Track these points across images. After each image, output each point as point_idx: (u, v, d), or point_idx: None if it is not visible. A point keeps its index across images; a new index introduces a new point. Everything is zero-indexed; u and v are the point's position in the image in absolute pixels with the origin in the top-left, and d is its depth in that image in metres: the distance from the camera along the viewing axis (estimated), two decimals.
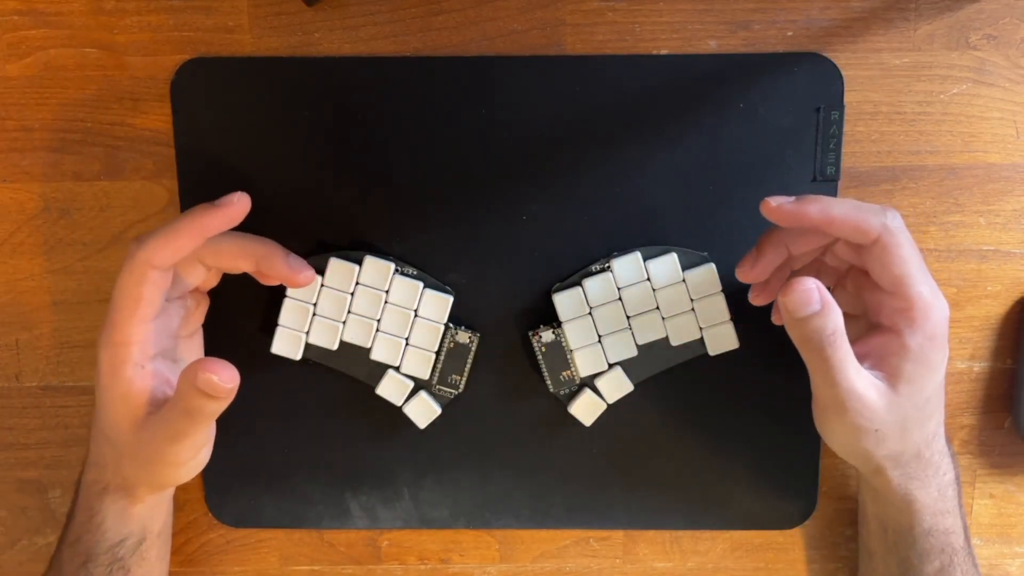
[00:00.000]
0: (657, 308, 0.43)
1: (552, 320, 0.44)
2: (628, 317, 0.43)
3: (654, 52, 0.42)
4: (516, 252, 0.44)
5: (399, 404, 0.44)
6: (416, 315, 0.43)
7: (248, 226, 0.40)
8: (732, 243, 0.43)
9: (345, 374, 0.44)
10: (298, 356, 0.43)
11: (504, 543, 0.48)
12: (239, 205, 0.37)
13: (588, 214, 0.43)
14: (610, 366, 0.44)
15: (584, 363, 0.43)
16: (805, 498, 0.47)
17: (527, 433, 0.46)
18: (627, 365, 0.44)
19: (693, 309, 0.43)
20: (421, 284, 0.43)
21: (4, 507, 0.48)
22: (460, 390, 0.44)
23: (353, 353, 0.44)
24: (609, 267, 0.43)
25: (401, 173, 0.43)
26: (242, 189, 0.38)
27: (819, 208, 0.36)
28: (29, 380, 0.46)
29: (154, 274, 0.37)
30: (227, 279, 0.42)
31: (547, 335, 0.43)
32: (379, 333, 0.43)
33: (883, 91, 0.43)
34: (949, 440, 0.42)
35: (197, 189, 0.43)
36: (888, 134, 0.43)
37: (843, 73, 0.42)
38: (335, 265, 0.42)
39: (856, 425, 0.37)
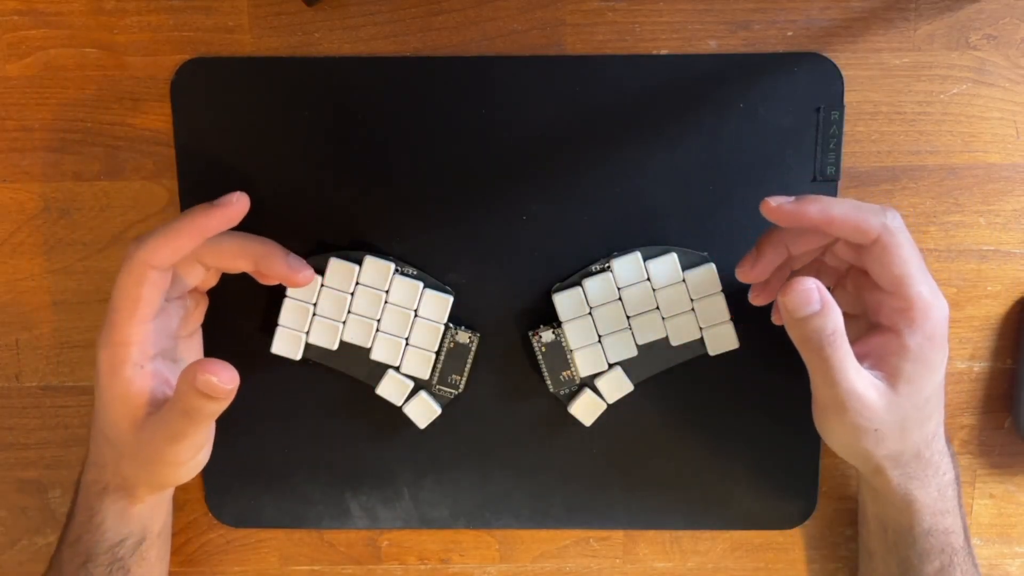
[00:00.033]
0: (657, 308, 0.43)
1: (552, 320, 0.44)
2: (628, 317, 0.43)
3: (654, 52, 0.42)
4: (516, 252, 0.44)
5: (399, 404, 0.44)
6: (416, 315, 0.43)
7: (248, 226, 0.40)
8: (732, 243, 0.43)
9: (345, 374, 0.44)
10: (298, 356, 0.43)
11: (504, 543, 0.48)
12: (238, 205, 0.37)
13: (588, 214, 0.43)
14: (610, 366, 0.44)
15: (584, 363, 0.43)
16: (805, 498, 0.47)
17: (527, 433, 0.46)
18: (627, 365, 0.44)
19: (693, 309, 0.43)
20: (421, 284, 0.43)
21: (4, 507, 0.48)
22: (460, 390, 0.44)
23: (353, 353, 0.44)
24: (609, 267, 0.43)
25: (401, 173, 0.43)
26: (242, 189, 0.38)
27: (819, 208, 0.36)
28: (29, 380, 0.46)
29: (153, 274, 0.37)
30: (227, 279, 0.42)
31: (547, 335, 0.43)
32: (379, 333, 0.43)
33: (883, 91, 0.43)
34: (949, 440, 0.42)
35: (197, 189, 0.43)
36: (888, 134, 0.43)
37: (843, 73, 0.42)
38: (335, 265, 0.42)
39: (856, 425, 0.37)
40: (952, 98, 0.43)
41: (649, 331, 0.43)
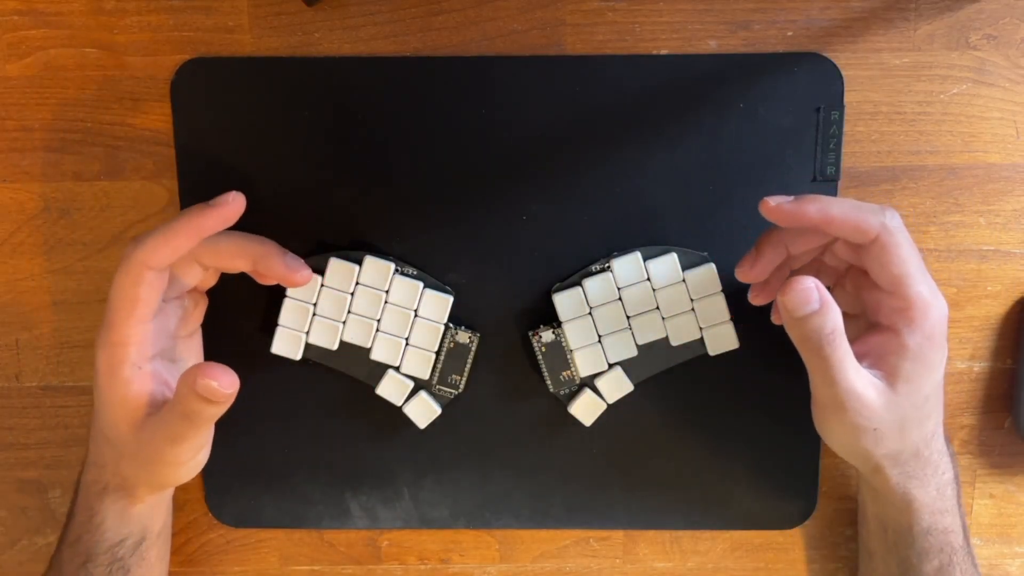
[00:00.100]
0: (657, 308, 0.43)
1: (552, 320, 0.44)
2: (628, 317, 0.43)
3: (654, 52, 0.42)
4: (516, 252, 0.44)
5: (399, 404, 0.44)
6: (416, 315, 0.43)
7: (248, 226, 0.40)
8: (732, 243, 0.43)
9: (345, 374, 0.44)
10: (298, 356, 0.43)
11: (504, 543, 0.48)
12: (234, 204, 0.37)
13: (588, 214, 0.43)
14: (610, 366, 0.44)
15: (584, 363, 0.43)
16: (805, 498, 0.47)
17: (527, 433, 0.46)
18: (627, 365, 0.44)
19: (693, 309, 0.43)
20: (421, 284, 0.43)
21: (4, 507, 0.48)
22: (460, 390, 0.44)
23: (353, 353, 0.44)
24: (609, 267, 0.43)
25: (401, 173, 0.43)
26: (242, 189, 0.38)
27: (818, 207, 0.36)
28: (29, 380, 0.46)
29: (150, 275, 0.37)
30: (226, 279, 0.42)
31: (547, 335, 0.43)
32: (379, 333, 0.43)
33: (883, 91, 0.43)
34: (948, 439, 0.42)
35: (197, 189, 0.43)
36: (888, 134, 0.43)
37: (843, 73, 0.42)
38: (335, 265, 0.42)
39: (855, 424, 0.37)
40: (952, 98, 0.43)
41: (649, 331, 0.43)
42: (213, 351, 0.43)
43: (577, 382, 0.44)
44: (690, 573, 0.48)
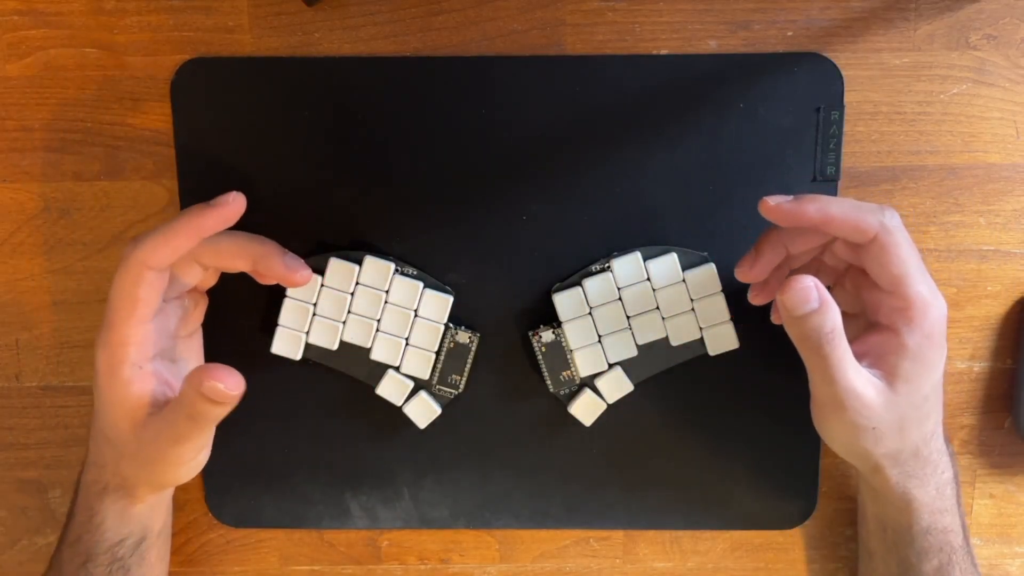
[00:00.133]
0: (657, 308, 0.43)
1: (552, 320, 0.44)
2: (628, 317, 0.43)
3: (654, 52, 0.42)
4: (516, 252, 0.44)
5: (399, 404, 0.44)
6: (416, 315, 0.43)
7: (248, 226, 0.40)
8: (732, 243, 0.43)
9: (345, 374, 0.44)
10: (298, 356, 0.43)
11: (504, 543, 0.48)
12: (234, 205, 0.37)
13: (588, 214, 0.43)
14: (610, 366, 0.44)
15: (584, 363, 0.43)
16: (805, 498, 0.47)
17: (527, 433, 0.46)
18: (627, 365, 0.44)
19: (693, 309, 0.43)
20: (421, 284, 0.43)
21: (4, 507, 0.48)
22: (460, 390, 0.44)
23: (353, 353, 0.44)
24: (609, 267, 0.43)
25: (401, 173, 0.43)
26: (242, 189, 0.38)
27: (817, 207, 0.36)
28: (29, 380, 0.46)
29: (150, 275, 0.37)
30: (226, 279, 0.42)
31: (547, 335, 0.43)
32: (379, 333, 0.43)
33: (883, 91, 0.43)
34: (948, 439, 0.42)
35: (197, 189, 0.43)
36: (888, 134, 0.43)
37: (843, 73, 0.42)
38: (335, 265, 0.42)
39: (854, 423, 0.37)
40: (952, 98, 0.43)
41: (649, 331, 0.43)
42: (213, 351, 0.43)
43: (577, 382, 0.44)
44: (690, 573, 0.48)
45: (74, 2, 0.42)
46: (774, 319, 0.43)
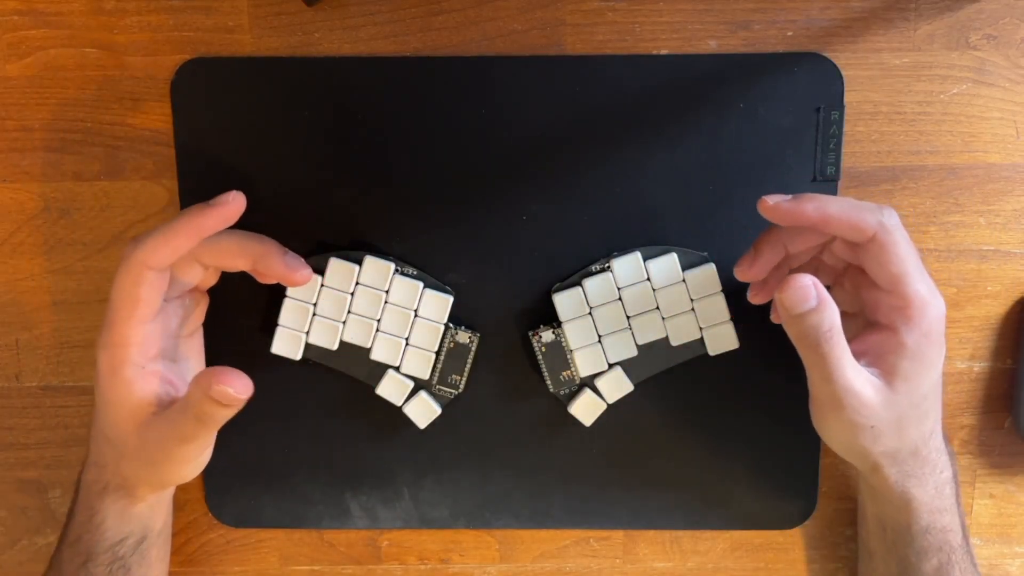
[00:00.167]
0: (657, 308, 0.43)
1: (552, 320, 0.44)
2: (628, 317, 0.43)
3: (654, 52, 0.42)
4: (516, 252, 0.44)
5: (399, 404, 0.44)
6: (416, 315, 0.43)
7: (248, 226, 0.40)
8: (732, 243, 0.43)
9: (345, 374, 0.44)
10: (298, 356, 0.43)
11: (504, 543, 0.48)
12: (234, 204, 0.37)
13: (588, 214, 0.43)
14: (610, 366, 0.44)
15: (584, 363, 0.43)
16: (805, 498, 0.47)
17: (527, 433, 0.46)
18: (627, 365, 0.44)
19: (693, 309, 0.43)
20: (421, 284, 0.43)
21: (4, 507, 0.48)
22: (460, 390, 0.44)
23: (353, 353, 0.44)
24: (609, 267, 0.43)
25: (401, 173, 0.43)
26: (242, 189, 0.38)
27: (816, 206, 0.36)
28: (29, 380, 0.46)
29: (151, 275, 0.37)
30: (226, 278, 0.42)
31: (547, 335, 0.43)
32: (379, 333, 0.43)
33: (883, 91, 0.43)
34: (947, 438, 0.42)
35: (197, 189, 0.43)
36: (888, 134, 0.43)
37: (843, 73, 0.42)
38: (335, 265, 0.42)
39: (853, 422, 0.37)
40: (952, 98, 0.43)
41: (649, 331, 0.43)
42: (213, 350, 0.43)
43: (577, 382, 0.44)
44: (690, 573, 0.48)
45: (74, 2, 0.42)
46: (773, 318, 0.43)
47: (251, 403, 0.44)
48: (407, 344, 0.43)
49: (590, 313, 0.43)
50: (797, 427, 0.45)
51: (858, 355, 0.37)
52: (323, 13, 0.42)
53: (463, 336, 0.44)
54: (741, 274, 0.40)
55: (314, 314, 0.43)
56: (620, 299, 0.43)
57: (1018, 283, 0.45)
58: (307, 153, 0.43)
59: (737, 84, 0.42)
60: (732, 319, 0.43)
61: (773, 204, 0.37)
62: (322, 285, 0.43)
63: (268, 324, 0.44)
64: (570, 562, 0.48)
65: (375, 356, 0.44)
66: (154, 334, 0.38)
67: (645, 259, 0.43)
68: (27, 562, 0.48)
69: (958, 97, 0.43)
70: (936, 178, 0.44)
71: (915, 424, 0.38)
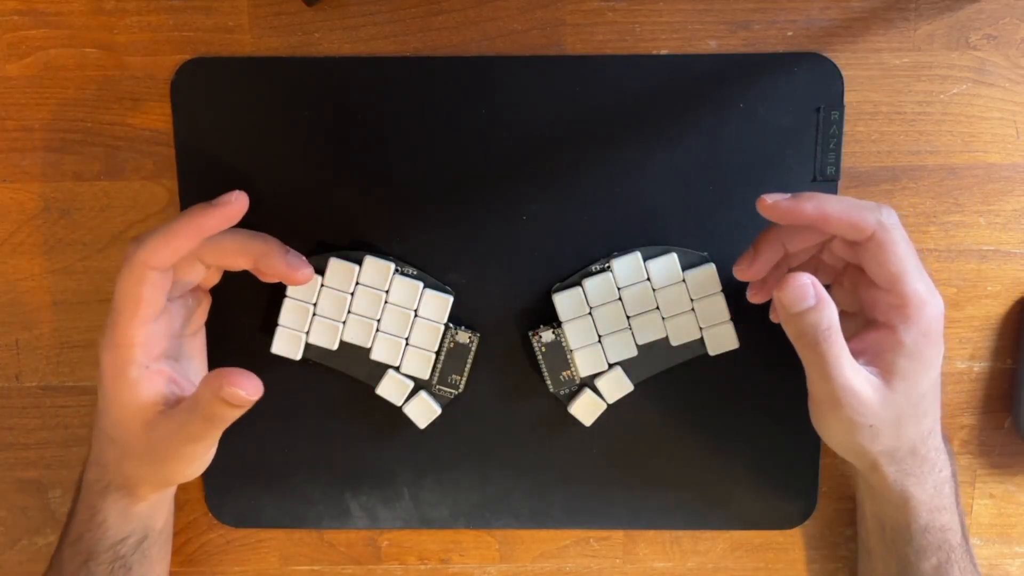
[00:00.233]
0: (657, 308, 0.43)
1: (552, 320, 0.44)
2: (628, 317, 0.43)
3: (654, 52, 0.42)
4: (516, 252, 0.44)
5: (399, 404, 0.44)
6: (416, 315, 0.43)
7: (248, 226, 0.40)
8: (732, 243, 0.43)
9: (345, 374, 0.44)
10: (298, 356, 0.43)
11: (504, 543, 0.48)
12: (236, 204, 0.37)
13: (588, 214, 0.43)
14: (610, 366, 0.44)
15: (584, 363, 0.43)
16: (805, 498, 0.47)
17: (527, 433, 0.46)
18: (627, 365, 0.44)
19: (693, 309, 0.43)
20: (421, 284, 0.43)
21: (4, 507, 0.48)
22: (460, 390, 0.44)
23: (353, 353, 0.44)
24: (609, 267, 0.43)
25: (401, 173, 0.43)
26: (242, 189, 0.38)
27: (814, 205, 0.36)
28: (29, 380, 0.46)
29: (153, 275, 0.37)
30: (227, 278, 0.42)
31: (547, 335, 0.43)
32: (379, 333, 0.43)
33: (883, 91, 0.43)
34: (947, 438, 0.42)
35: (197, 189, 0.43)
36: (888, 134, 0.43)
37: (843, 73, 0.42)
38: (335, 265, 0.42)
39: (851, 420, 0.37)
40: (952, 98, 0.43)
41: (649, 331, 0.43)
42: (213, 350, 0.43)
43: (577, 382, 0.44)
44: (690, 573, 0.48)
45: (74, 2, 0.42)
46: (772, 317, 0.43)
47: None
48: (407, 344, 0.43)
49: (590, 313, 0.43)
50: (797, 427, 0.45)
51: (857, 354, 0.37)
52: (323, 13, 0.42)
53: (463, 336, 0.44)
54: (740, 273, 0.40)
55: (314, 314, 0.43)
56: (620, 299, 0.43)
57: (1018, 283, 0.45)
58: (307, 153, 0.43)
59: (737, 84, 0.42)
60: (732, 319, 0.43)
61: (772, 203, 0.37)
62: (322, 285, 0.43)
63: (268, 324, 0.44)
64: (570, 562, 0.48)
65: (375, 356, 0.44)
66: (158, 334, 0.38)
67: (645, 259, 0.43)
68: (27, 562, 0.48)
69: (958, 97, 0.43)
70: (936, 178, 0.44)
71: (914, 423, 0.38)
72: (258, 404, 0.44)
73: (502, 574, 0.48)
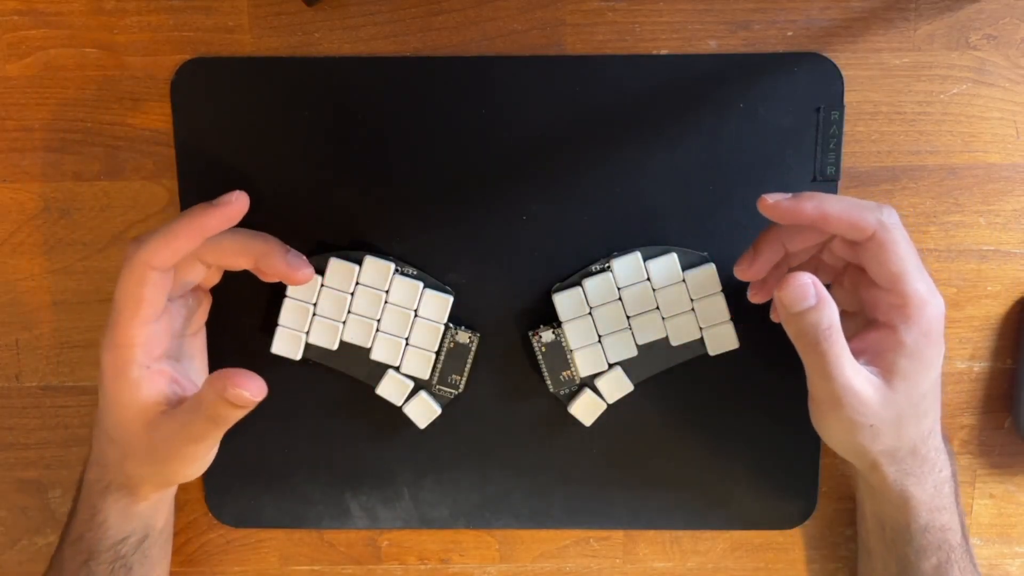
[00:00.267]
0: (657, 308, 0.43)
1: (552, 320, 0.44)
2: (628, 317, 0.43)
3: (654, 52, 0.42)
4: (516, 252, 0.44)
5: (399, 404, 0.44)
6: (416, 315, 0.43)
7: (249, 226, 0.40)
8: (732, 243, 0.43)
9: (345, 374, 0.44)
10: (298, 356, 0.43)
11: (504, 543, 0.48)
12: (237, 204, 0.37)
13: (588, 214, 0.43)
14: (610, 366, 0.44)
15: (584, 363, 0.43)
16: (805, 498, 0.47)
17: (527, 433, 0.46)
18: (627, 365, 0.44)
19: (693, 309, 0.43)
20: (421, 284, 0.43)
21: (4, 507, 0.48)
22: (460, 390, 0.44)
23: (353, 353, 0.44)
24: (609, 267, 0.43)
25: (401, 173, 0.43)
26: (242, 189, 0.38)
27: (815, 204, 0.36)
28: (29, 380, 0.46)
29: (154, 275, 0.37)
30: (227, 278, 0.42)
31: (547, 335, 0.43)
32: (379, 333, 0.43)
33: (883, 91, 0.43)
34: (947, 438, 0.42)
35: (197, 189, 0.43)
36: (888, 134, 0.43)
37: (843, 73, 0.42)
38: (335, 265, 0.42)
39: (851, 420, 0.37)
40: (952, 98, 0.43)
41: (649, 331, 0.43)
42: (213, 350, 0.43)
43: (577, 382, 0.44)
44: (690, 573, 0.48)
45: (74, 2, 0.42)
46: (773, 317, 0.43)
47: None
48: (407, 344, 0.43)
49: (590, 313, 0.43)
50: (797, 427, 0.45)
51: (857, 354, 0.37)
52: (323, 13, 0.42)
53: (463, 336, 0.44)
54: (741, 273, 0.40)
55: (314, 314, 0.43)
56: (620, 299, 0.43)
57: (1018, 283, 0.45)
58: (307, 153, 0.43)
59: (737, 84, 0.42)
60: (732, 319, 0.43)
61: (773, 202, 0.37)
62: (322, 285, 0.43)
63: (268, 324, 0.44)
64: (570, 562, 0.48)
65: (375, 356, 0.44)
66: (159, 334, 0.38)
67: (645, 259, 0.43)
68: (27, 562, 0.48)
69: (958, 97, 0.43)
70: (936, 178, 0.44)
71: (914, 423, 0.38)
72: (258, 404, 0.45)
73: (502, 574, 0.48)
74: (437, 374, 0.44)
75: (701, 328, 0.43)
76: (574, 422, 0.45)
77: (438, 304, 0.43)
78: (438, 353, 0.44)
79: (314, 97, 0.42)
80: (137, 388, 0.37)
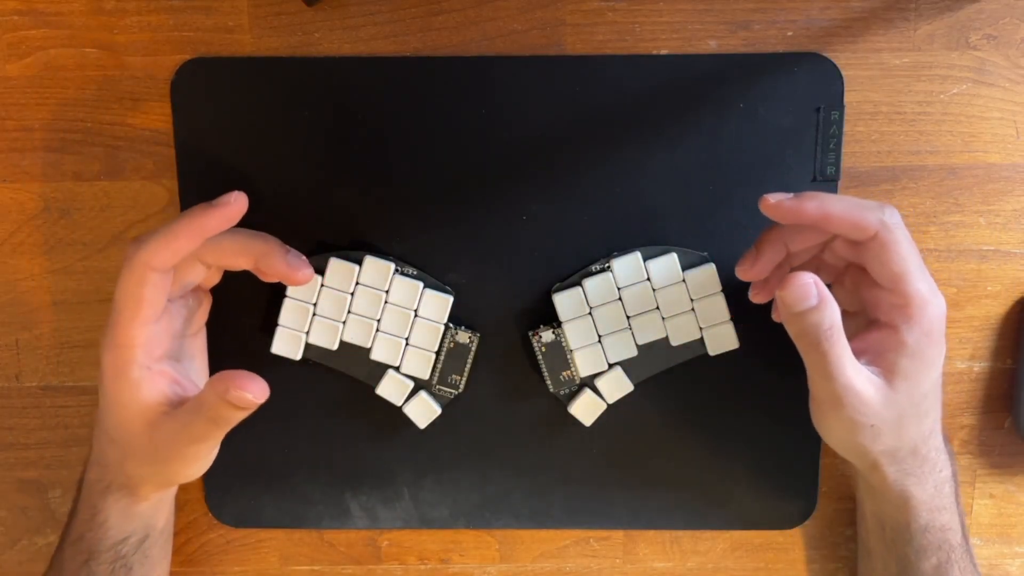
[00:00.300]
0: (657, 308, 0.43)
1: (552, 320, 0.44)
2: (628, 317, 0.43)
3: (654, 52, 0.42)
4: (516, 252, 0.44)
5: (399, 404, 0.44)
6: (416, 315, 0.43)
7: (249, 226, 0.40)
8: (732, 243, 0.43)
9: (345, 374, 0.44)
10: (298, 356, 0.43)
11: (504, 543, 0.48)
12: (236, 205, 0.37)
13: (588, 214, 0.43)
14: (610, 366, 0.44)
15: (584, 363, 0.43)
16: (805, 498, 0.47)
17: (527, 433, 0.46)
18: (627, 365, 0.44)
19: (693, 309, 0.43)
20: (421, 284, 0.43)
21: (4, 507, 0.48)
22: (460, 390, 0.44)
23: (353, 353, 0.44)
24: (609, 267, 0.43)
25: (401, 173, 0.43)
26: (242, 189, 0.38)
27: (817, 204, 0.36)
28: (29, 380, 0.46)
29: (154, 276, 0.37)
30: (227, 278, 0.42)
31: (547, 335, 0.43)
32: (379, 333, 0.43)
33: (883, 91, 0.43)
34: (947, 438, 0.42)
35: (197, 189, 0.43)
36: (888, 134, 0.43)
37: (843, 73, 0.42)
38: (335, 265, 0.42)
39: (852, 420, 0.37)
40: (952, 98, 0.43)
41: (649, 331, 0.43)
42: (214, 350, 0.43)
43: (577, 382, 0.44)
44: (690, 573, 0.48)
45: (74, 2, 0.42)
46: (775, 316, 0.43)
47: None
48: (407, 344, 0.43)
49: (590, 313, 0.43)
50: (797, 427, 0.45)
51: (858, 353, 0.37)
52: (323, 13, 0.42)
53: (463, 336, 0.44)
54: (743, 273, 0.40)
55: (314, 314, 0.43)
56: (620, 299, 0.43)
57: (1018, 283, 0.45)
58: (307, 153, 0.43)
59: (737, 84, 0.42)
60: (732, 319, 0.43)
61: (775, 202, 0.37)
62: (322, 285, 0.43)
63: (268, 324, 0.44)
64: (570, 562, 0.48)
65: (375, 356, 0.44)
66: (159, 335, 0.38)
67: (645, 259, 0.43)
68: (27, 562, 0.48)
69: (958, 97, 0.43)
70: (936, 178, 0.44)
71: (915, 423, 0.38)
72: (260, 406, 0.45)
73: (502, 574, 0.48)
74: (437, 374, 0.44)
75: (701, 328, 0.43)
76: (574, 422, 0.45)
77: (438, 304, 0.43)
78: (438, 353, 0.44)
79: (314, 97, 0.42)
80: (137, 388, 0.37)
